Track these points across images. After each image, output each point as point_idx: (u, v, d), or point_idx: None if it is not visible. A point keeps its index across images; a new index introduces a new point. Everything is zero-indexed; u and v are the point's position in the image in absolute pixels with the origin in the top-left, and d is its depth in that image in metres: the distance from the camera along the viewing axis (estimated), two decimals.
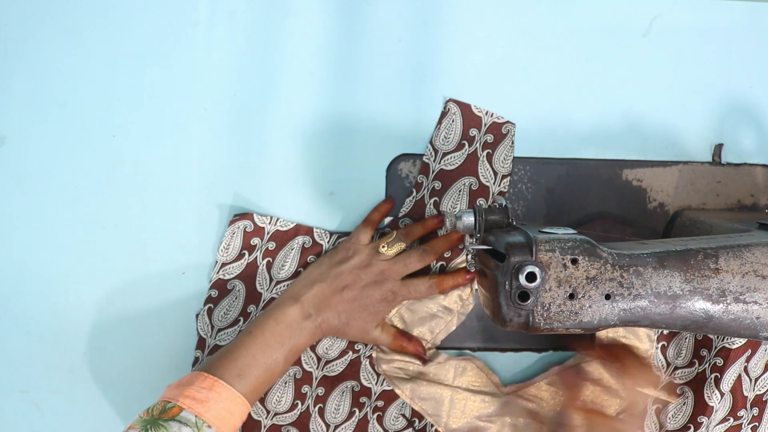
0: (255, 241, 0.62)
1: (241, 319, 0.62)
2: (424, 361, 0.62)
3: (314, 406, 0.62)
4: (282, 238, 0.62)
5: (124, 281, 0.63)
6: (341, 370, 0.62)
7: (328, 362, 0.62)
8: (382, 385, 0.62)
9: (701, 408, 0.61)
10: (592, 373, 0.62)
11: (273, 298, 0.62)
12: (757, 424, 0.63)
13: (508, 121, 0.63)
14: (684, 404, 0.63)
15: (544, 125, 0.64)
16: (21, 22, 0.62)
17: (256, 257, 0.62)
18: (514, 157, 0.63)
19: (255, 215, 0.62)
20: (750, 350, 0.61)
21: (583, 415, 0.55)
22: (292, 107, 0.63)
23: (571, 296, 0.44)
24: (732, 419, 0.62)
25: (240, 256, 0.62)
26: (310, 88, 0.63)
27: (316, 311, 0.57)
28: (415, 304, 0.62)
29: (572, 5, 0.65)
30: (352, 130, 0.64)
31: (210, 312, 0.62)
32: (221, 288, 0.62)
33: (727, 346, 0.60)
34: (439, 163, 0.63)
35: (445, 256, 0.62)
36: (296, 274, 0.62)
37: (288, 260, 0.62)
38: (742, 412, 0.62)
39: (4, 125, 0.62)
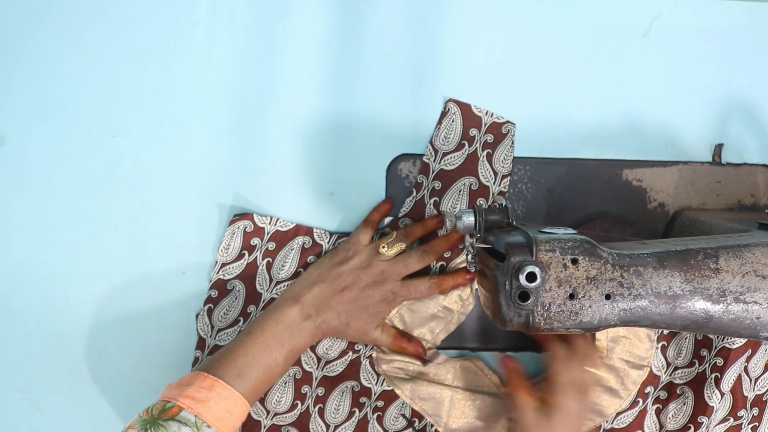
0: (255, 241, 0.62)
1: (241, 319, 0.62)
2: (425, 361, 0.62)
3: (314, 407, 0.62)
4: (282, 239, 0.62)
5: (124, 281, 0.63)
6: (341, 370, 0.62)
7: (328, 362, 0.62)
8: (382, 385, 0.62)
9: (701, 408, 0.61)
10: (591, 375, 0.63)
11: (273, 299, 0.62)
12: (757, 424, 0.63)
13: (508, 121, 0.63)
14: (684, 404, 0.63)
15: (544, 125, 0.64)
16: (21, 22, 0.62)
17: (256, 257, 0.62)
18: (514, 157, 0.63)
19: (255, 215, 0.62)
20: (750, 350, 0.61)
21: (530, 396, 0.57)
22: (292, 107, 0.63)
23: (571, 296, 0.44)
24: (732, 419, 0.62)
25: (240, 256, 0.62)
26: (310, 88, 0.63)
27: (316, 312, 0.57)
28: (415, 305, 0.62)
29: (572, 5, 0.65)
30: (352, 130, 0.64)
31: (210, 312, 0.62)
32: (221, 288, 0.62)
33: (727, 346, 0.60)
34: (439, 163, 0.63)
35: (445, 256, 0.62)
36: (296, 275, 0.62)
37: (288, 260, 0.62)
38: (742, 412, 0.62)
39: (4, 125, 0.62)
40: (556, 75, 0.65)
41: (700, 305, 0.45)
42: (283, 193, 0.63)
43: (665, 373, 0.63)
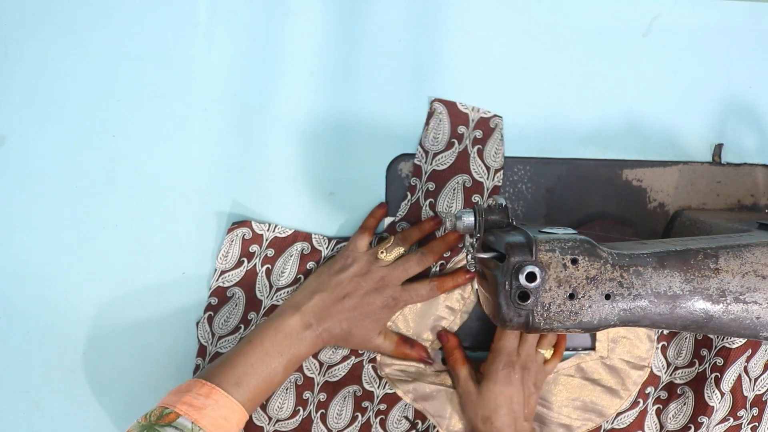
0: (254, 248, 0.62)
1: (242, 326, 0.62)
2: (429, 363, 0.62)
3: (316, 412, 0.62)
4: (281, 245, 0.62)
5: (124, 281, 0.63)
6: (343, 374, 0.62)
7: (329, 367, 0.62)
8: (384, 388, 0.62)
9: (702, 408, 0.61)
10: (592, 373, 0.63)
11: (274, 305, 0.62)
12: (756, 424, 0.63)
13: (495, 115, 0.63)
14: (684, 404, 0.63)
15: (544, 125, 0.64)
16: (21, 22, 0.62)
17: (255, 264, 0.62)
18: (514, 158, 0.63)
19: (253, 222, 0.62)
20: (750, 350, 0.61)
21: (465, 366, 0.60)
22: (292, 107, 0.63)
23: (571, 296, 0.44)
24: (732, 419, 0.62)
25: (239, 263, 0.62)
26: (310, 88, 0.63)
27: (317, 321, 0.57)
28: (418, 308, 0.62)
29: (572, 5, 0.65)
30: (352, 130, 0.64)
31: (210, 320, 0.62)
32: (221, 295, 0.62)
33: (727, 345, 0.60)
34: (431, 164, 0.62)
35: (445, 256, 0.62)
36: (296, 281, 0.62)
37: (287, 267, 0.62)
38: (741, 412, 0.62)
39: (4, 125, 0.62)
40: (556, 75, 0.65)
41: (700, 305, 0.45)
42: (282, 193, 0.63)
43: (665, 373, 0.63)
